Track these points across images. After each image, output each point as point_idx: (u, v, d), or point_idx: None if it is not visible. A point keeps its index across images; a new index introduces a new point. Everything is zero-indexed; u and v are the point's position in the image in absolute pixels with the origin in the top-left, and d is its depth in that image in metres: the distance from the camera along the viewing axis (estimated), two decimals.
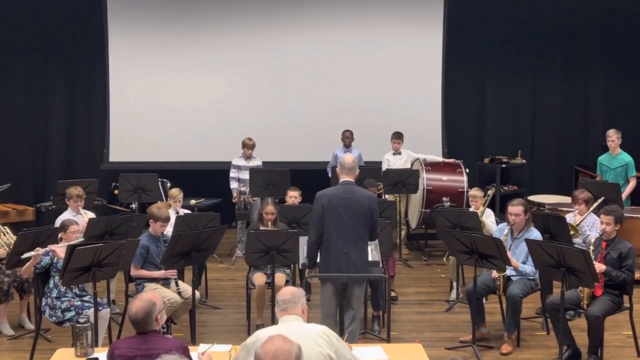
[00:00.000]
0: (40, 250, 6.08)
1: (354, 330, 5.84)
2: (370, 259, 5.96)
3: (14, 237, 6.70)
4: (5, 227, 6.88)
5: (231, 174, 9.60)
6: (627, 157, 8.76)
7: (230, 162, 9.64)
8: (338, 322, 5.87)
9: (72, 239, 6.20)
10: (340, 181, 5.92)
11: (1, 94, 10.98)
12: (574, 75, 11.32)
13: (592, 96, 11.39)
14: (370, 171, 8.96)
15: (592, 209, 7.10)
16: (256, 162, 9.55)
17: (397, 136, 9.74)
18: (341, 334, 5.60)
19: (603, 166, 8.91)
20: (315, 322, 4.25)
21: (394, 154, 9.80)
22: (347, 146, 9.93)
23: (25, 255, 6.15)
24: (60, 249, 6.11)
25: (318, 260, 5.90)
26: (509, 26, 11.15)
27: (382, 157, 9.85)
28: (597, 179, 9.00)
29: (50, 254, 6.10)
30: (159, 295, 4.32)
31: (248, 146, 9.49)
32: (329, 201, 5.78)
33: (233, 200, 9.48)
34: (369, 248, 5.95)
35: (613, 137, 8.76)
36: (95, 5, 10.69)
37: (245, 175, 9.28)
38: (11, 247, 6.54)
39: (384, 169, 9.56)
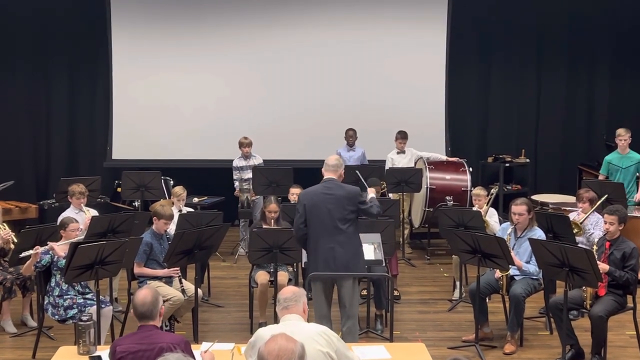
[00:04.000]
0: (39, 249, 6.08)
1: (350, 328, 5.78)
2: (372, 257, 5.93)
3: (11, 232, 6.70)
4: (4, 224, 6.87)
5: (234, 176, 9.57)
6: (637, 156, 8.70)
7: (233, 160, 9.62)
8: (335, 321, 5.84)
9: (71, 237, 6.21)
10: (323, 179, 5.92)
11: (4, 92, 10.98)
12: (577, 74, 11.29)
13: (596, 95, 11.36)
14: (373, 170, 8.95)
15: (594, 207, 7.08)
16: (256, 160, 9.52)
17: (403, 136, 9.70)
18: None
19: (612, 166, 8.81)
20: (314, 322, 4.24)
21: (397, 152, 9.77)
22: (351, 145, 9.91)
23: (24, 254, 6.14)
24: (59, 247, 6.11)
25: (306, 259, 5.88)
26: (513, 24, 11.12)
27: (385, 156, 9.83)
28: (600, 178, 8.96)
29: (50, 252, 6.10)
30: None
31: (244, 145, 9.46)
32: (310, 200, 5.79)
33: (235, 194, 9.46)
34: (372, 247, 5.93)
35: (625, 136, 8.67)
36: (99, 4, 10.69)
37: (248, 175, 9.27)
38: (13, 243, 6.55)
39: (387, 167, 9.54)
